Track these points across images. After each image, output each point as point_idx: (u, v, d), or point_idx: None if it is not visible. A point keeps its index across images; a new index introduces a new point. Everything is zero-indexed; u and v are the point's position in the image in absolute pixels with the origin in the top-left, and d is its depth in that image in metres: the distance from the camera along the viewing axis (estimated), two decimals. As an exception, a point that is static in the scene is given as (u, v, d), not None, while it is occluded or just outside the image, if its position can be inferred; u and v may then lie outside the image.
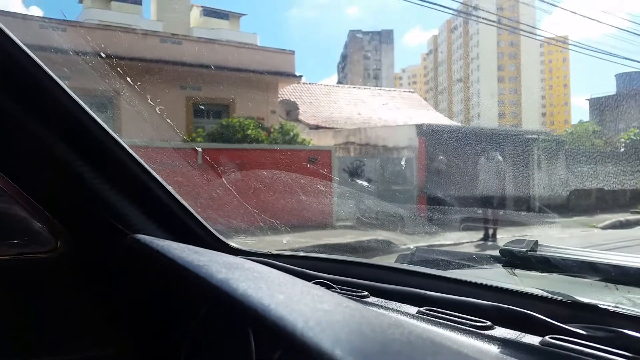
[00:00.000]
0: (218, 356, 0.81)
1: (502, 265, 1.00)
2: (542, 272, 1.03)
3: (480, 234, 7.65)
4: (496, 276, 1.21)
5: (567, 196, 12.77)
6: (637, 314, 0.73)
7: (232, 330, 0.73)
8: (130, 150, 1.01)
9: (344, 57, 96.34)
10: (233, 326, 0.73)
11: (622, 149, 15.59)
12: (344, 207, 9.79)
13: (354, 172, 10.04)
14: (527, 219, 8.71)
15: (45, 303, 1.03)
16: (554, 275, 1.04)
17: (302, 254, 1.30)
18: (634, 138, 15.44)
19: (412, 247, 1.54)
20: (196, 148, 8.78)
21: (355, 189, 9.80)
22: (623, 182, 14.30)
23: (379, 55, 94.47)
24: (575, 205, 11.86)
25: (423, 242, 5.36)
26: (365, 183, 10.12)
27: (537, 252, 0.94)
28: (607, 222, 9.56)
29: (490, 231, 7.73)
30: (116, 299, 1.05)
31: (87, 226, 1.05)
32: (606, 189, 13.85)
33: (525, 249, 0.94)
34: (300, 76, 13.63)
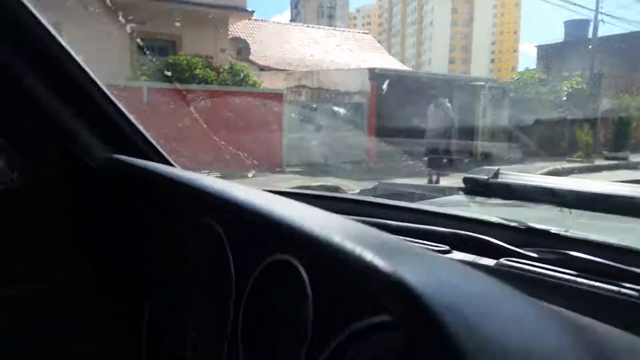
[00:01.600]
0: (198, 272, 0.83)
1: (465, 193, 1.04)
2: (502, 199, 1.09)
3: (425, 180, 7.88)
4: (458, 204, 1.28)
5: (508, 143, 13.22)
6: (584, 237, 0.79)
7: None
8: (92, 75, 0.96)
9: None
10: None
11: (565, 98, 16.09)
12: (294, 153, 9.81)
13: (306, 117, 9.98)
14: (469, 166, 9.00)
15: (4, 237, 1.00)
16: (514, 202, 1.09)
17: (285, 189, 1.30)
18: (576, 86, 15.95)
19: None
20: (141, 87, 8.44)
21: (305, 134, 9.78)
22: (562, 130, 14.92)
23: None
24: (516, 152, 12.32)
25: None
26: (316, 128, 10.11)
27: (499, 180, 0.98)
28: (544, 170, 10.01)
29: (434, 178, 7.97)
30: (89, 227, 1.03)
31: (46, 154, 1.01)
32: (546, 136, 14.42)
33: (487, 177, 0.97)
34: (252, 12, 13.10)
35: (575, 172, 10.58)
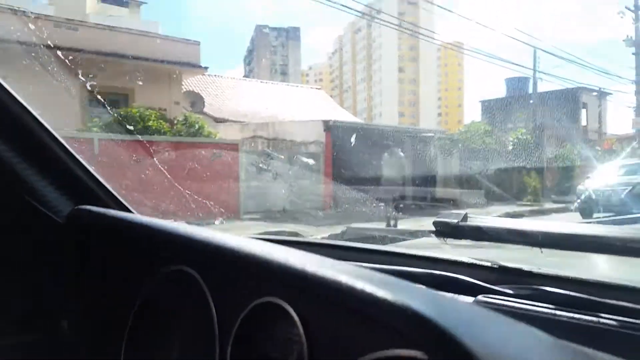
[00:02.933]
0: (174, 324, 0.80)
1: (435, 236, 1.05)
2: (473, 241, 1.09)
3: (383, 224, 7.92)
4: (430, 247, 1.29)
5: (460, 190, 13.60)
6: (556, 273, 0.82)
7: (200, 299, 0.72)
8: (50, 129, 0.94)
9: (250, 52, 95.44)
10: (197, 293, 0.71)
11: (511, 147, 16.84)
12: (251, 201, 9.70)
13: (261, 166, 9.97)
14: (424, 211, 9.15)
15: None
16: (485, 243, 1.10)
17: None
18: (521, 137, 16.77)
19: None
20: (93, 138, 8.24)
21: (262, 183, 9.73)
22: (511, 177, 15.52)
23: (286, 51, 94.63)
24: (468, 198, 12.65)
25: (331, 233, 5.44)
26: (272, 177, 10.09)
27: (468, 222, 0.99)
28: (497, 214, 10.28)
29: (392, 222, 8.03)
30: (59, 281, 0.97)
31: (9, 209, 0.97)
32: (496, 183, 14.95)
33: (456, 220, 0.98)
34: (206, 67, 13.23)
35: (526, 214, 10.94)
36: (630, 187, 9.92)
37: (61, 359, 0.97)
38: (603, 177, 10.74)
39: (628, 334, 0.64)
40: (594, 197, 9.81)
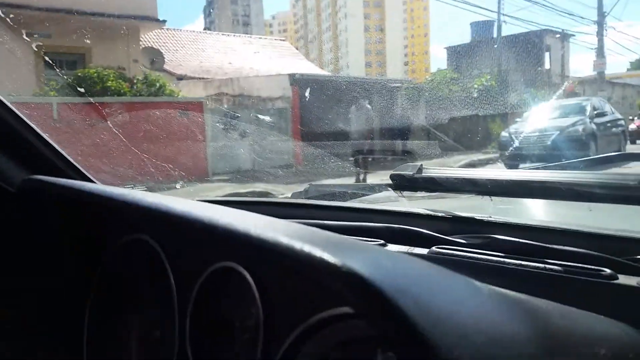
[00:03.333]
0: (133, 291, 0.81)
1: (393, 189, 1.08)
2: (428, 192, 1.15)
3: (353, 179, 8.00)
4: (388, 200, 1.33)
5: (427, 141, 13.74)
6: (506, 221, 0.85)
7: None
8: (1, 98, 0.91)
9: (210, 2, 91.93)
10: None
11: (476, 94, 16.96)
12: (219, 161, 9.60)
13: (228, 125, 9.82)
14: (392, 163, 9.25)
15: None
16: (439, 194, 1.15)
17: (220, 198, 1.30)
18: (486, 83, 16.87)
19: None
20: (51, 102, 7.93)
21: (230, 142, 9.61)
22: (477, 124, 15.72)
23: (247, 0, 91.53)
24: (435, 148, 12.82)
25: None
26: (240, 135, 9.96)
27: (423, 174, 1.01)
28: (462, 162, 10.50)
29: (362, 176, 8.10)
30: (14, 253, 0.95)
31: None
32: (462, 131, 15.14)
33: (412, 172, 1.01)
34: (164, 21, 12.71)
35: (491, 162, 11.17)
36: (558, 132, 8.81)
37: (13, 338, 0.97)
38: (532, 121, 9.87)
39: (573, 278, 0.66)
40: (517, 144, 8.97)
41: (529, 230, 0.80)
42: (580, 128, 9.26)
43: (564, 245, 0.72)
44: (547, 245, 0.73)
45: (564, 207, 1.09)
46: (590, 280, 0.65)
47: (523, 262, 0.70)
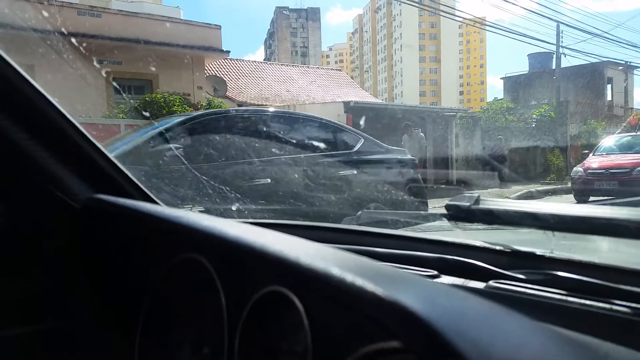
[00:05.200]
0: (183, 309, 0.81)
1: (448, 220, 1.04)
2: (485, 224, 1.09)
3: (406, 208, 7.95)
4: (441, 230, 1.29)
5: (482, 170, 13.48)
6: (569, 257, 0.81)
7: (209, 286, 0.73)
8: (68, 116, 0.95)
9: (271, 34, 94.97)
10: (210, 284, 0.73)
11: (534, 124, 16.54)
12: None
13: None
14: (446, 192, 9.13)
15: None
16: (497, 226, 1.09)
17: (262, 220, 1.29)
18: (544, 114, 16.45)
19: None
20: (119, 124, 8.44)
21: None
22: (534, 155, 15.32)
23: (306, 32, 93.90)
24: (491, 178, 12.56)
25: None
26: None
27: (480, 205, 0.98)
28: (519, 193, 10.23)
29: (415, 205, 8.04)
30: (75, 269, 1.00)
31: (27, 197, 0.98)
32: (519, 162, 14.77)
33: (469, 203, 0.98)
34: (228, 51, 13.30)
35: (549, 194, 10.82)
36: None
37: (72, 349, 0.99)
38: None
39: None
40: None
41: (594, 269, 0.75)
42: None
43: (632, 286, 0.67)
44: (615, 285, 0.67)
45: (632, 246, 1.02)
46: None
47: (587, 302, 0.66)
